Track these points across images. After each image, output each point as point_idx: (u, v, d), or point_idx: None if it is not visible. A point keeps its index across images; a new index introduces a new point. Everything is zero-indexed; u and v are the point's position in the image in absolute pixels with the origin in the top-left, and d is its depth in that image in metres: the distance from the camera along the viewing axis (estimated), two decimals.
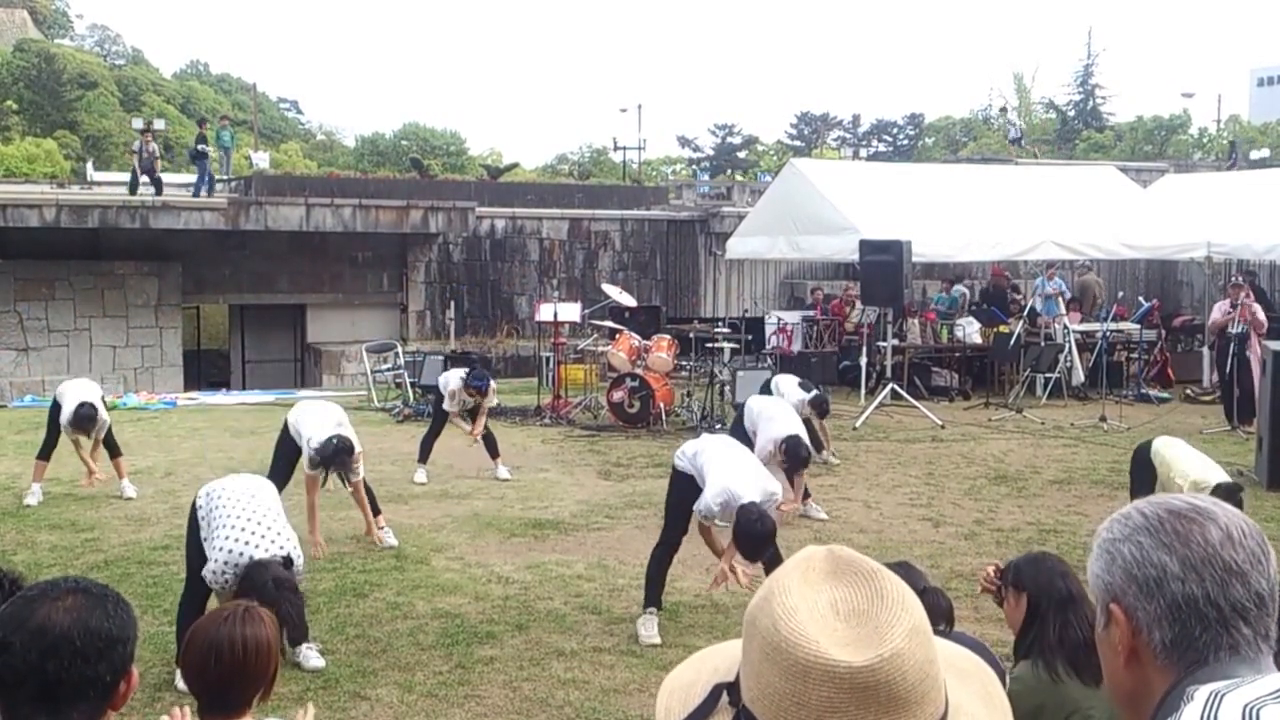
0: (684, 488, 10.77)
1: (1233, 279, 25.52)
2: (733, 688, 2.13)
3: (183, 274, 29.19)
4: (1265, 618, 2.23)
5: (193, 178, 42.63)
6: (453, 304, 31.53)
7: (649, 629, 10.52)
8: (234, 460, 18.06)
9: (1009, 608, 5.79)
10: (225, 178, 41.26)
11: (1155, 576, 2.23)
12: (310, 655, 9.66)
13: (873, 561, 2.12)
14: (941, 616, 5.60)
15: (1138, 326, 27.59)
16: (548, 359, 25.45)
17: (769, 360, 24.57)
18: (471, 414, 17.40)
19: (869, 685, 1.95)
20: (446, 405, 17.20)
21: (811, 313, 29.14)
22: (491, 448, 17.58)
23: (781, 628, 2.00)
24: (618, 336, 23.36)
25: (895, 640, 1.97)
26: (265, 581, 7.99)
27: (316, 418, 13.28)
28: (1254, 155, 54.08)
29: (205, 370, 31.17)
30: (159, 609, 11.12)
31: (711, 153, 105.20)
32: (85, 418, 15.63)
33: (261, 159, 54.42)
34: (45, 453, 16.13)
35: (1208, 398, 24.77)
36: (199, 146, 35.65)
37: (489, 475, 17.39)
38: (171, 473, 17.87)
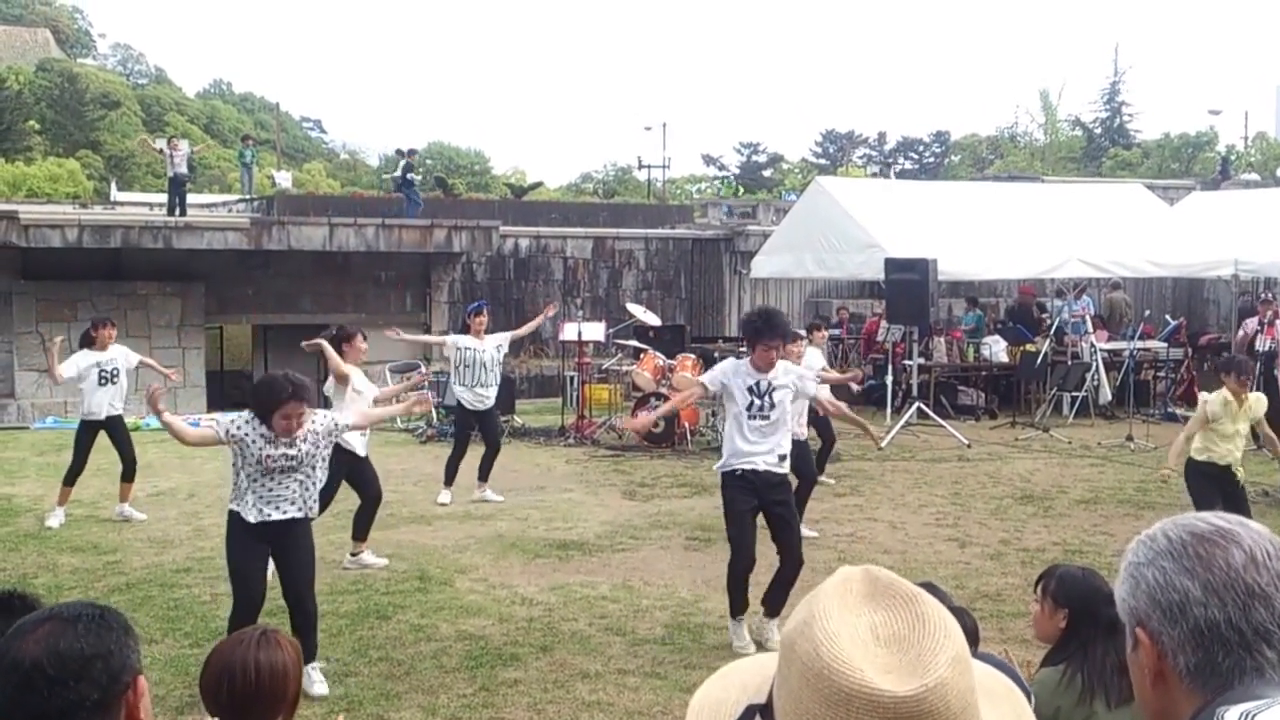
0: (734, 490, 10.77)
1: (1261, 296, 25.38)
2: (765, 709, 2.09)
3: (205, 294, 29.15)
4: None
5: (214, 198, 42.73)
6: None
7: (741, 639, 10.81)
8: None
9: (1040, 617, 5.73)
10: (248, 197, 41.31)
11: (1178, 601, 2.20)
12: (314, 678, 9.51)
13: (912, 585, 2.08)
14: (967, 637, 5.52)
15: (1164, 345, 27.47)
16: (572, 379, 25.41)
17: None
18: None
19: (912, 715, 1.91)
20: (454, 346, 17.19)
21: (837, 331, 29.09)
22: (483, 469, 17.41)
23: (823, 653, 1.95)
24: (642, 356, 23.31)
25: (939, 669, 1.94)
26: None
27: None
28: None
29: (229, 391, 31.05)
30: (180, 631, 11.10)
31: (737, 171, 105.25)
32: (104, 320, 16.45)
33: (284, 178, 54.51)
34: (71, 478, 16.04)
35: None
36: (406, 175, 35.98)
37: (510, 494, 17.32)
38: (194, 494, 17.84)
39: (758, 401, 10.66)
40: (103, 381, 15.96)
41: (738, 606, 10.92)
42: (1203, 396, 13.18)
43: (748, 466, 10.69)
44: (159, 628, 11.17)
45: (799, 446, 14.81)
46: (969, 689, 1.98)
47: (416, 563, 13.47)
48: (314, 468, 9.49)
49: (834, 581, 2.09)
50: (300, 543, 9.59)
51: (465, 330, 17.44)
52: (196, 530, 15.37)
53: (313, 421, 9.48)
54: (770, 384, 10.69)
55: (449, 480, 17.26)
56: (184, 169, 33.11)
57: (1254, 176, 45.13)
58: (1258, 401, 13.09)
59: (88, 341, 16.14)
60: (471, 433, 17.47)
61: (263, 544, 9.49)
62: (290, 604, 9.65)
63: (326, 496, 13.08)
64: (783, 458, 10.85)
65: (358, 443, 13.37)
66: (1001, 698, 2.18)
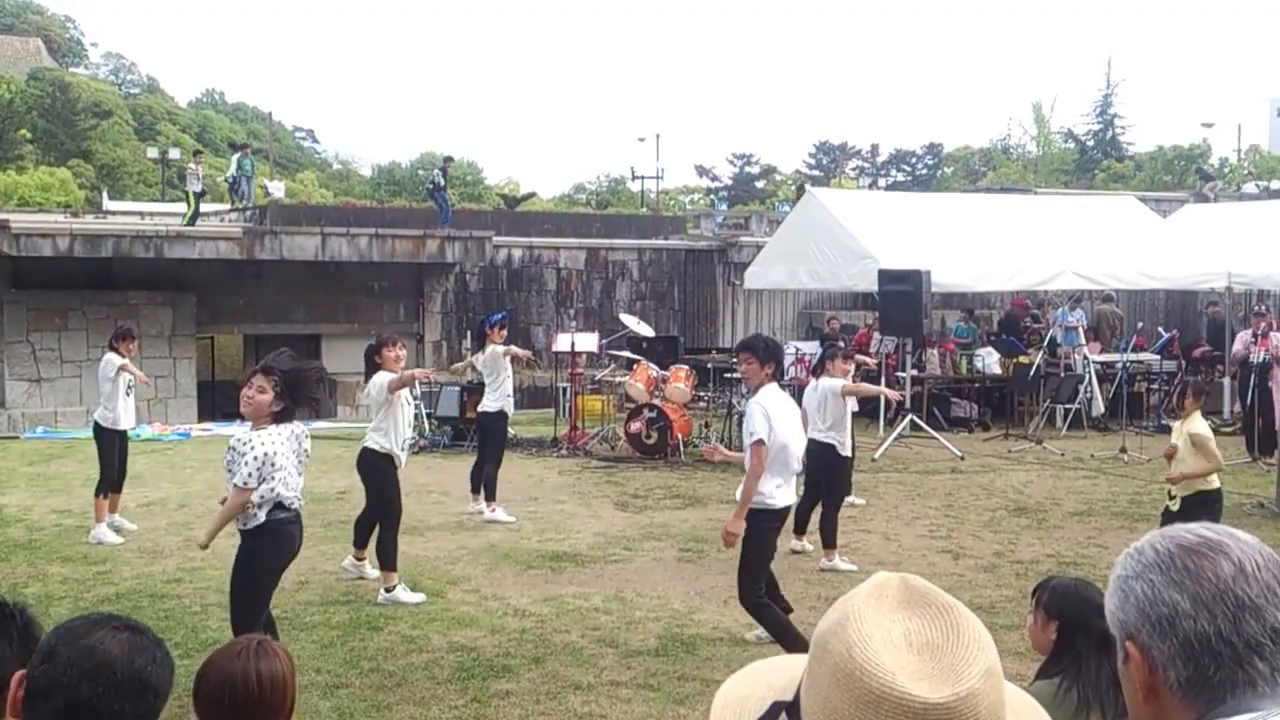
0: (761, 523, 10.49)
1: (1254, 309, 25.38)
2: (792, 708, 2.09)
3: (197, 304, 29.11)
4: None
5: (205, 207, 42.77)
6: (469, 334, 31.45)
7: None
8: None
9: (1034, 629, 5.71)
10: (241, 207, 41.26)
11: (1167, 615, 2.18)
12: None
13: (948, 595, 2.08)
14: None
15: (1157, 357, 27.48)
16: (565, 390, 25.36)
17: (787, 391, 24.40)
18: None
19: None
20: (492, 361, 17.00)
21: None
22: (488, 488, 17.22)
23: (856, 655, 1.96)
24: (635, 367, 23.29)
25: (971, 679, 1.94)
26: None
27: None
28: (1276, 185, 53.79)
29: (220, 401, 31.02)
30: (170, 642, 10.79)
31: (729, 182, 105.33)
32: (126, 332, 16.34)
33: (277, 188, 54.39)
34: (113, 486, 15.91)
35: (1229, 429, 24.52)
36: (440, 182, 36.09)
37: (503, 506, 17.22)
38: (185, 505, 17.78)
39: None
40: (127, 391, 16.01)
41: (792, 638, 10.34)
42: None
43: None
44: None
45: (838, 457, 14.69)
46: (999, 702, 1.97)
47: (408, 574, 13.36)
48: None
49: (870, 585, 2.09)
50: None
51: (484, 341, 17.29)
52: (187, 541, 15.28)
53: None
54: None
55: (490, 494, 17.13)
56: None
57: (1252, 188, 45.13)
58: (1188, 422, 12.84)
59: (113, 349, 16.11)
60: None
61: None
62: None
63: (393, 510, 13.07)
64: None
65: (402, 455, 13.38)
66: (1026, 716, 2.16)
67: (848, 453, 14.95)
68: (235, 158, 41.54)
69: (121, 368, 15.79)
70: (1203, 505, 12.28)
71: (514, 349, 17.51)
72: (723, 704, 2.22)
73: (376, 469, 13.10)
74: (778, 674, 2.22)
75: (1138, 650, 2.21)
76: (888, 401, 24.45)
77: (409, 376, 13.30)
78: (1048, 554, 14.77)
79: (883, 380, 24.44)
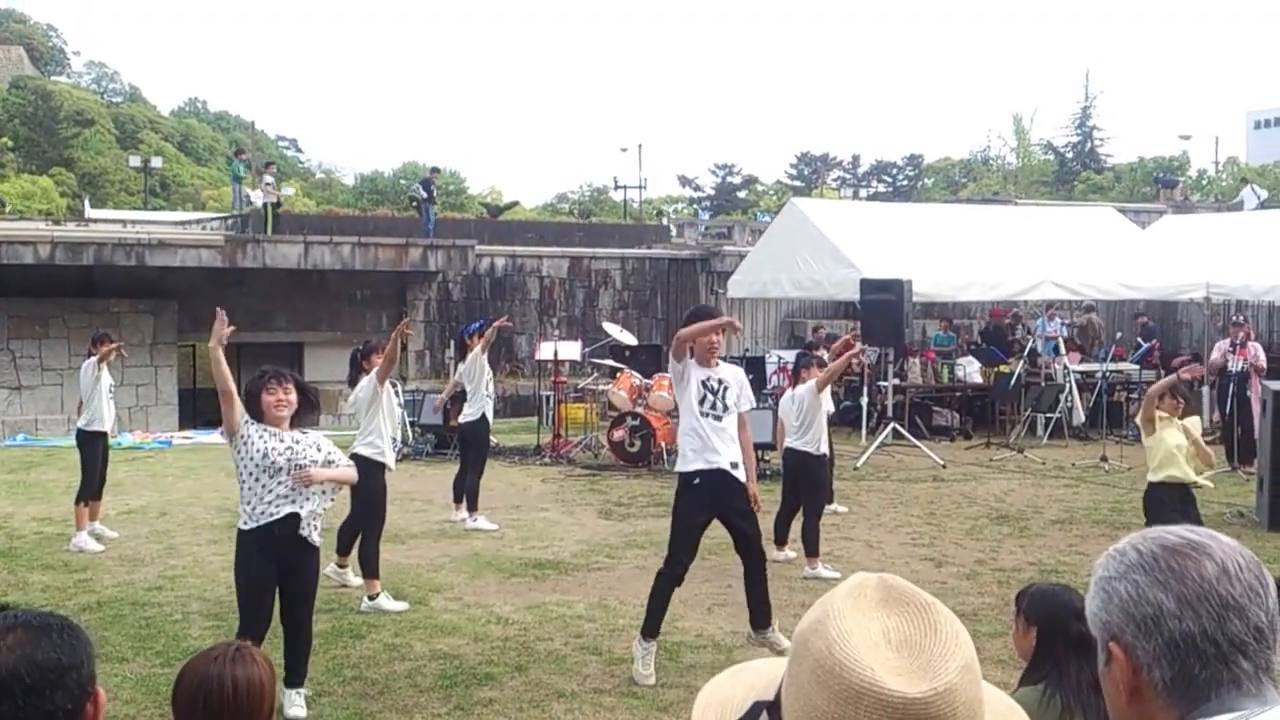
0: (691, 501, 10.49)
1: (1233, 318, 25.44)
2: (773, 707, 2.10)
3: (179, 312, 29.05)
4: (1265, 651, 2.18)
5: (188, 215, 42.86)
6: (452, 343, 31.43)
7: (646, 667, 10.28)
8: (229, 500, 17.88)
9: (1016, 636, 5.74)
10: (238, 213, 41.30)
11: (1152, 615, 2.19)
12: (296, 701, 9.40)
13: (926, 594, 2.10)
14: None
15: (1137, 367, 27.52)
16: (548, 398, 25.34)
17: (770, 400, 24.41)
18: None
19: (920, 718, 1.92)
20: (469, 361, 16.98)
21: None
22: (470, 498, 17.14)
23: (836, 651, 1.97)
24: (618, 375, 23.29)
25: (949, 675, 1.95)
26: None
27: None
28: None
29: (201, 409, 30.95)
30: (151, 650, 10.98)
31: (712, 192, 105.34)
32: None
33: (258, 196, 54.29)
34: (93, 494, 15.82)
35: (1208, 438, 24.42)
36: (422, 195, 36.18)
37: (486, 514, 17.19)
38: (166, 513, 17.74)
39: (710, 397, 10.45)
40: (110, 393, 16.02)
41: (654, 626, 10.43)
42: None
43: (709, 467, 10.37)
44: (130, 646, 11.07)
45: (815, 462, 14.73)
46: (977, 699, 1.99)
47: (391, 581, 13.33)
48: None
49: (849, 585, 2.12)
50: (307, 564, 9.35)
51: (465, 351, 17.30)
52: (168, 549, 15.27)
53: (305, 433, 9.35)
54: (721, 381, 10.54)
55: (473, 505, 17.07)
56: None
57: (1251, 195, 45.24)
58: None
59: (90, 356, 16.08)
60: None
61: (271, 565, 9.17)
62: (289, 627, 9.43)
63: (376, 518, 13.06)
64: (735, 465, 10.51)
65: (390, 456, 13.36)
66: (1005, 715, 2.17)
67: (822, 450, 14.89)
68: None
69: (99, 361, 15.78)
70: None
71: (486, 334, 17.32)
72: (704, 704, 2.23)
73: (366, 476, 13.05)
74: (759, 674, 2.24)
75: (1121, 651, 2.22)
76: (870, 406, 24.57)
77: (394, 341, 13.13)
78: (1029, 561, 14.78)
79: (864, 388, 24.53)
